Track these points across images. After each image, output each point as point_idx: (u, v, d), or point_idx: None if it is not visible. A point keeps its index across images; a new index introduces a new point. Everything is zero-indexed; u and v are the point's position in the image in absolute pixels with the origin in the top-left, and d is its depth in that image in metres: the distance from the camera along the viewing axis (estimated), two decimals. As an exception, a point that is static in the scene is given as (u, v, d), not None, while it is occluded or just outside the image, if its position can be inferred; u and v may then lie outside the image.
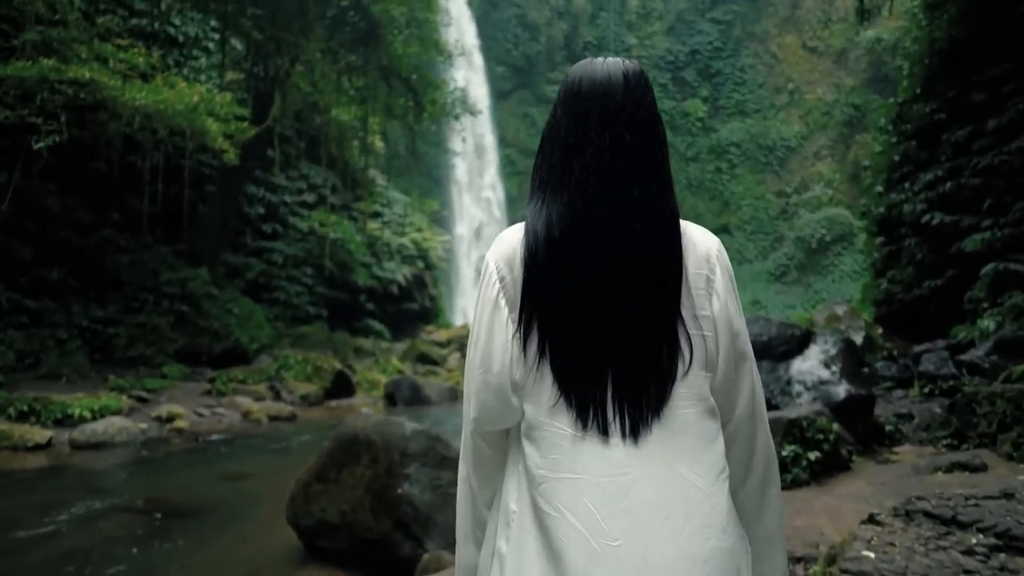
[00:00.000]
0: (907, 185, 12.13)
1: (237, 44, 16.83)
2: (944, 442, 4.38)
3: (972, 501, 1.97)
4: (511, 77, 39.04)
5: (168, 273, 13.67)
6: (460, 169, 32.11)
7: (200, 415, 9.34)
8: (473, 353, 1.06)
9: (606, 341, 0.99)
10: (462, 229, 31.07)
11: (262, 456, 7.17)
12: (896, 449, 4.49)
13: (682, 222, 1.05)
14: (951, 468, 3.51)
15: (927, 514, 1.94)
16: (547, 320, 1.00)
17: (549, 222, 1.01)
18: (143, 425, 8.38)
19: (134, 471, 6.47)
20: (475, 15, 36.00)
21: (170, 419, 8.80)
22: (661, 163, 1.04)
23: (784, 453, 3.61)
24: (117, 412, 8.54)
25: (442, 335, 20.78)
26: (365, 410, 3.92)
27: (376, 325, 20.47)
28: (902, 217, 11.97)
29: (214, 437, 8.22)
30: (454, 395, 12.76)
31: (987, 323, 8.35)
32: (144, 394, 9.85)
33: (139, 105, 9.20)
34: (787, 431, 3.69)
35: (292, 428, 9.20)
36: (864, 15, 13.88)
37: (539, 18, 39.51)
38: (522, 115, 39.30)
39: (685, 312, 1.00)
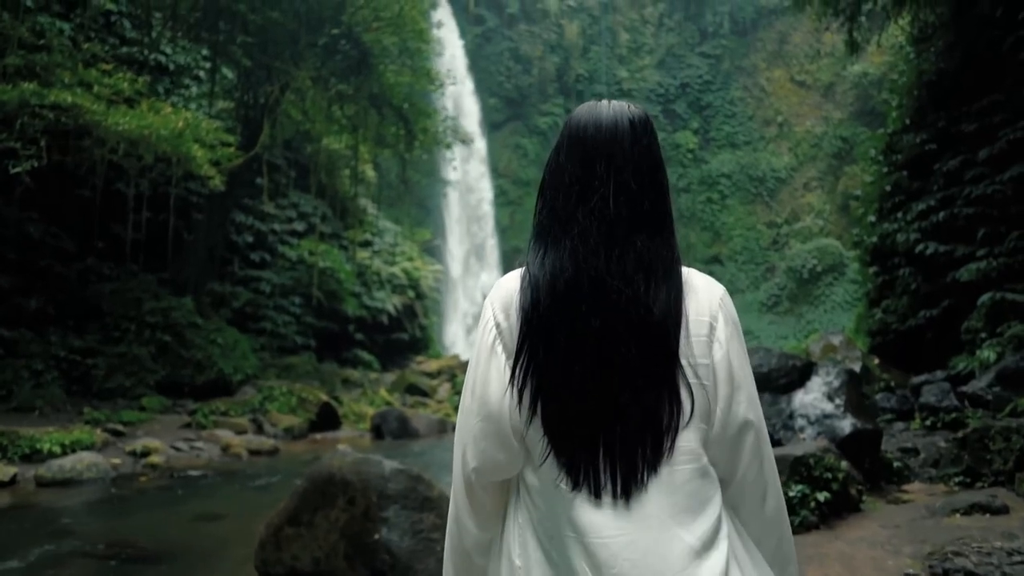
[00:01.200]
0: (900, 215, 12.08)
1: (228, 73, 16.80)
2: (956, 480, 4.14)
3: (1017, 558, 1.75)
4: (503, 109, 39.42)
5: (151, 302, 13.37)
6: (454, 264, 31.10)
7: (177, 449, 8.98)
8: (470, 400, 1.04)
9: (601, 396, 0.95)
10: (454, 328, 29.77)
11: (239, 494, 6.82)
12: (905, 487, 4.25)
13: (685, 269, 1.02)
14: (970, 510, 3.27)
15: (970, 574, 1.71)
16: (542, 372, 0.97)
17: (554, 271, 0.98)
18: (116, 460, 8.01)
19: (100, 511, 6.11)
20: (468, 48, 36.44)
21: (145, 454, 8.43)
22: (666, 212, 1.03)
23: (791, 494, 3.36)
24: (90, 447, 8.17)
25: (432, 365, 20.47)
26: (342, 447, 3.66)
27: (365, 355, 20.13)
28: (895, 247, 11.88)
29: (190, 473, 7.85)
30: (443, 427, 12.42)
31: (987, 354, 8.17)
32: (120, 427, 9.48)
33: (123, 130, 9.03)
34: (793, 469, 3.45)
35: (273, 463, 8.84)
36: (854, 47, 14.02)
37: (531, 51, 40.06)
38: (514, 146, 39.60)
39: (684, 361, 0.97)
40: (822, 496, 3.36)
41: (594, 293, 0.96)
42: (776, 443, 4.33)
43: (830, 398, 4.48)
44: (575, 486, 0.94)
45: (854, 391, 4.64)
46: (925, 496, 3.96)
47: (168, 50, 16.05)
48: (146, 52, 14.31)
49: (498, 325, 1.02)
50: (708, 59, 39.91)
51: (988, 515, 3.19)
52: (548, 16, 40.29)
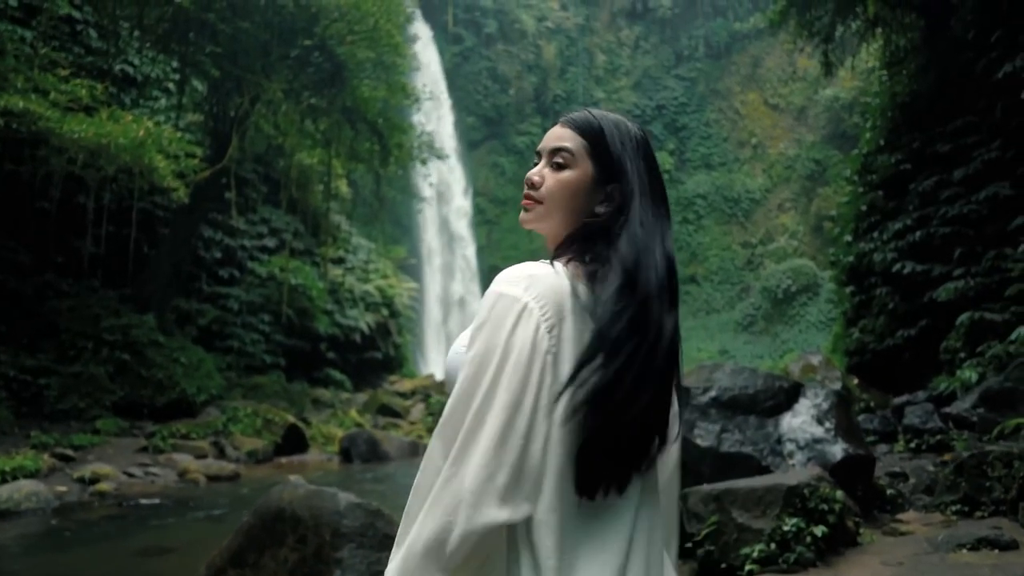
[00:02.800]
0: (876, 234, 12.07)
1: (199, 85, 16.42)
2: (953, 508, 3.91)
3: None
4: (481, 128, 39.50)
5: (110, 319, 12.80)
6: (432, 282, 30.18)
7: (131, 475, 8.46)
8: (491, 461, 0.82)
9: (650, 418, 0.92)
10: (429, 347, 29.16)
11: (191, 524, 6.35)
12: (900, 516, 4.01)
13: None
14: (976, 545, 3.03)
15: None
16: (604, 397, 0.86)
17: (647, 284, 0.91)
18: (62, 488, 7.48)
19: (35, 546, 5.62)
20: (446, 67, 36.51)
21: (94, 480, 7.90)
22: None
23: (785, 528, 3.09)
24: (33, 474, 7.62)
25: (406, 385, 20.04)
26: (293, 478, 3.32)
27: (337, 375, 19.62)
28: (872, 266, 11.85)
29: (142, 501, 7.35)
30: (415, 450, 11.99)
31: (968, 374, 8.06)
32: (70, 452, 8.92)
33: (79, 139, 8.60)
34: (787, 501, 3.18)
35: (233, 489, 8.36)
36: (829, 69, 14.16)
37: (509, 71, 40.26)
38: (491, 165, 39.62)
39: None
40: (819, 531, 3.10)
41: (668, 306, 0.93)
42: (765, 470, 4.07)
43: (819, 421, 4.24)
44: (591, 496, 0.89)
45: (844, 414, 4.41)
46: (922, 526, 3.72)
47: (136, 61, 15.62)
48: (111, 62, 13.86)
49: (551, 330, 0.86)
50: (683, 81, 40.45)
51: (996, 551, 2.95)
52: (526, 37, 40.56)
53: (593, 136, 1.01)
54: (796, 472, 3.62)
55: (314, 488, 3.25)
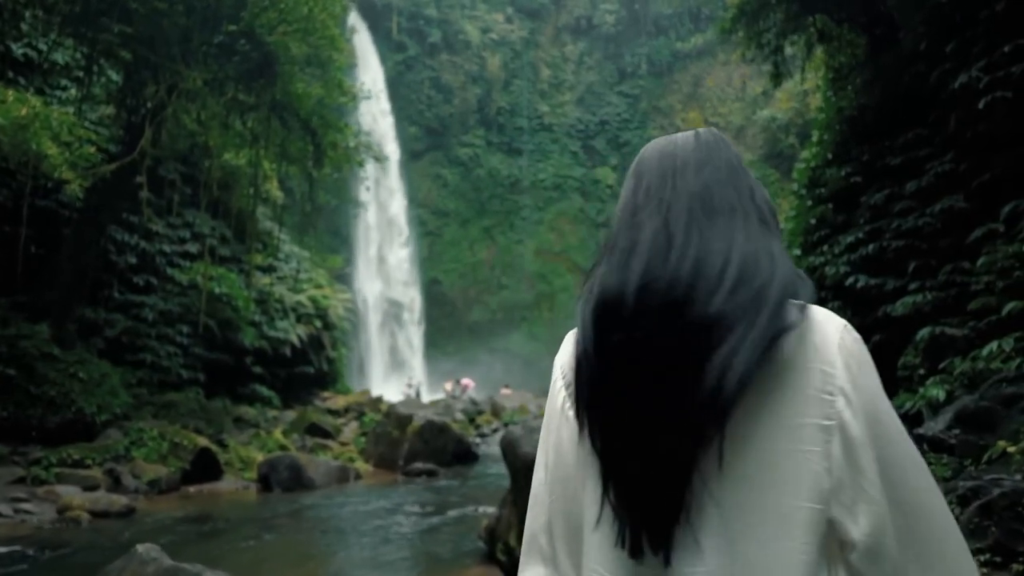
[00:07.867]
0: (826, 248, 11.85)
1: (113, 75, 14.97)
2: (982, 557, 3.29)
3: None
4: (424, 138, 38.68)
5: (-6, 329, 11.26)
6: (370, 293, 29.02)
7: (-3, 514, 7.12)
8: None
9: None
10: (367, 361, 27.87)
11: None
12: (918, 567, 3.35)
13: None
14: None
15: None
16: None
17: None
18: (-100, 533, 6.14)
19: None
20: (389, 76, 35.60)
21: (-54, 522, 6.57)
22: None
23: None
24: None
25: (339, 402, 18.83)
26: (142, 548, 2.41)
27: (264, 391, 18.20)
28: (824, 280, 11.59)
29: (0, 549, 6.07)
30: (344, 475, 10.89)
31: (935, 391, 7.68)
32: (-77, 486, 7.51)
33: (-56, 115, 7.28)
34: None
35: (122, 529, 7.12)
36: (779, 80, 14.09)
37: (453, 81, 39.62)
38: (434, 176, 38.81)
39: None
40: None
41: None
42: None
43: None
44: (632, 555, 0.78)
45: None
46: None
47: (42, 46, 14.09)
48: (6, 41, 12.35)
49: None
50: (626, 98, 40.74)
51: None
52: (470, 47, 40.06)
53: None
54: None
55: (170, 565, 2.30)
